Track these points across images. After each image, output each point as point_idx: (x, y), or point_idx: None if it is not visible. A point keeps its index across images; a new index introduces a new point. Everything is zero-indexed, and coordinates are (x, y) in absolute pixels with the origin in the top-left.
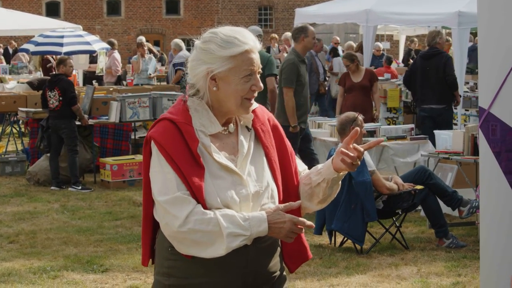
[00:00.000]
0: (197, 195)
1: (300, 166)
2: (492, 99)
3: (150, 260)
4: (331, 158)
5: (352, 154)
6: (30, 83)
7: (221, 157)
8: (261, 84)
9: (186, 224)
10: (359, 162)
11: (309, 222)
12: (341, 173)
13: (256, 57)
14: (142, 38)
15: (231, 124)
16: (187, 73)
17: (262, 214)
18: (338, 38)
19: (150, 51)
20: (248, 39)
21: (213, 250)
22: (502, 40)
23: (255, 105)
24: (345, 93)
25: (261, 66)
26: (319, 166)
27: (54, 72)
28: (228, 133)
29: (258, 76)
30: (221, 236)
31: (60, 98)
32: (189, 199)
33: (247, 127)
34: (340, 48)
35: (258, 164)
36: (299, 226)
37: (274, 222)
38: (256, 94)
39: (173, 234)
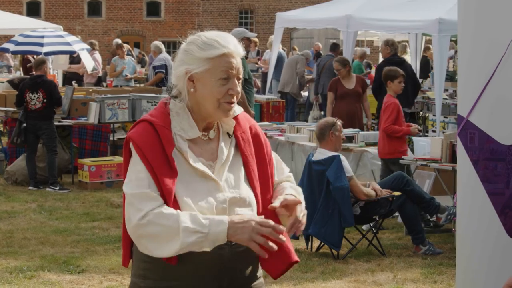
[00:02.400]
0: (167, 198)
1: (278, 175)
2: (471, 108)
3: (131, 261)
4: (281, 197)
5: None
6: (11, 82)
7: (198, 162)
8: (239, 89)
9: (146, 216)
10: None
11: (279, 227)
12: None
13: (236, 62)
14: (118, 41)
15: (212, 130)
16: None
17: (224, 216)
18: (320, 45)
19: (129, 53)
20: (229, 43)
21: (169, 247)
22: (482, 49)
23: (238, 110)
24: (336, 100)
25: (242, 72)
26: (284, 189)
27: (33, 73)
28: (208, 139)
29: (239, 82)
30: (178, 232)
31: (45, 100)
32: (157, 198)
33: (228, 133)
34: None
35: (237, 171)
36: (264, 228)
37: (235, 222)
38: (234, 99)
39: (133, 228)
